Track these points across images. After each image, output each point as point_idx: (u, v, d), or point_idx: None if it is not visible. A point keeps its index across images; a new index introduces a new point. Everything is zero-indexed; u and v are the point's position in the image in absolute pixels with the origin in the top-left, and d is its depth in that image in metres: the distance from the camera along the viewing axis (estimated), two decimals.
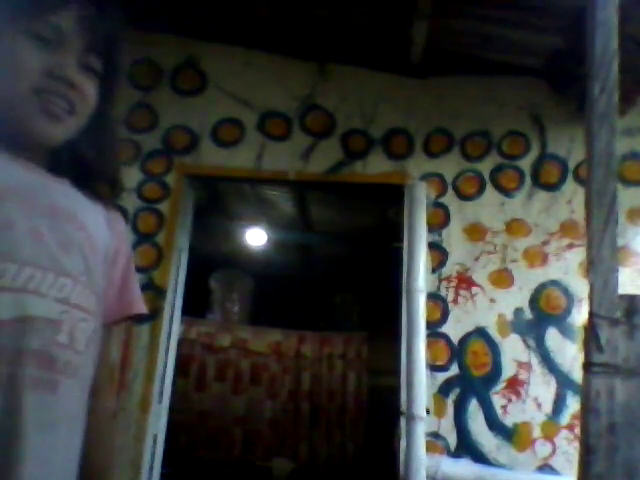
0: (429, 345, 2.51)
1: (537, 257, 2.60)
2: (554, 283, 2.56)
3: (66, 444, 0.70)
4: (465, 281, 2.59)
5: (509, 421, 2.44)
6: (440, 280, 2.60)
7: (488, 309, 2.56)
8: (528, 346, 2.51)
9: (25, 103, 0.71)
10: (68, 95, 0.74)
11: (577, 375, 2.24)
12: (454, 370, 2.50)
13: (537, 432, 2.42)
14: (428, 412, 2.42)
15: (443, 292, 2.59)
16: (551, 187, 2.68)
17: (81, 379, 0.72)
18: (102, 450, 0.82)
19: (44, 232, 0.69)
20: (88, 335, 0.73)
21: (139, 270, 2.64)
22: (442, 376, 2.50)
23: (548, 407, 2.44)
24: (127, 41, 0.84)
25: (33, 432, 0.64)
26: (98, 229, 0.79)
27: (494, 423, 2.44)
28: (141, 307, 0.89)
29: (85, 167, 0.81)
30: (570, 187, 2.66)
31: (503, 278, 2.59)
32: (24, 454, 0.63)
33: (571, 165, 2.68)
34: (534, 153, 2.72)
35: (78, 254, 0.73)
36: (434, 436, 2.43)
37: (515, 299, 2.56)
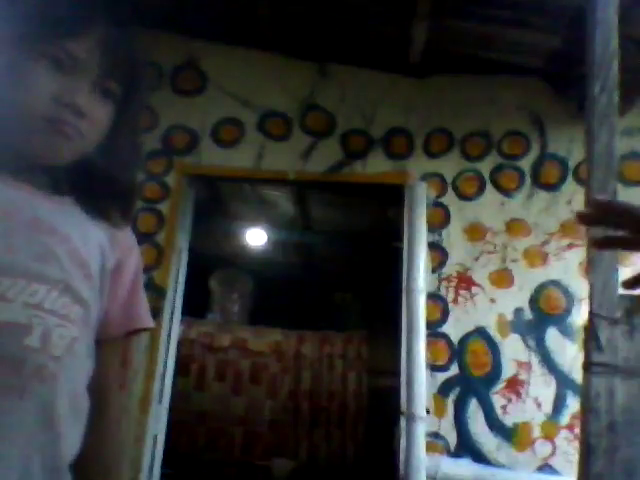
0: (429, 345, 2.51)
1: (537, 257, 2.60)
2: (554, 283, 2.56)
3: (39, 449, 0.69)
4: (465, 281, 2.59)
5: (509, 421, 2.44)
6: (440, 280, 2.60)
7: (488, 309, 2.56)
8: (528, 346, 2.51)
9: (34, 129, 0.72)
10: (74, 123, 0.73)
11: (577, 375, 2.24)
12: (454, 370, 2.50)
13: (537, 432, 2.42)
14: (428, 412, 2.42)
15: (443, 292, 2.59)
16: (551, 187, 2.68)
17: (62, 385, 0.71)
18: (107, 459, 0.82)
19: (20, 246, 0.70)
20: (68, 342, 0.72)
21: None
22: (442, 376, 2.50)
23: (548, 407, 2.44)
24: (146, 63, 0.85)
25: (3, 438, 0.64)
26: (88, 244, 0.79)
27: (494, 423, 2.44)
28: (147, 322, 0.89)
29: (93, 187, 0.81)
30: (570, 187, 2.66)
31: (503, 278, 2.59)
32: None
33: (571, 165, 2.68)
34: (534, 153, 2.72)
35: (56, 264, 0.73)
36: (434, 436, 2.43)
37: (515, 299, 2.56)
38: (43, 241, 0.72)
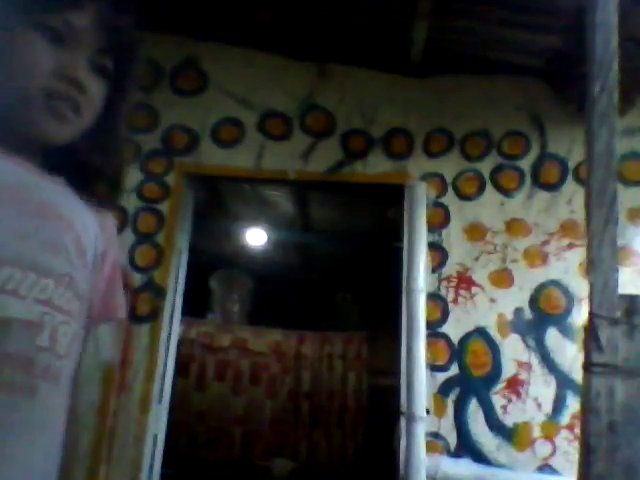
0: (429, 345, 2.51)
1: (537, 257, 2.60)
2: (554, 283, 2.56)
3: (45, 450, 0.68)
4: (465, 281, 2.59)
5: (509, 421, 2.44)
6: (440, 280, 2.60)
7: (488, 309, 2.56)
8: (528, 346, 2.51)
9: (33, 104, 0.69)
10: (75, 97, 0.72)
11: (577, 375, 2.24)
12: (454, 370, 2.50)
13: (537, 432, 2.42)
14: (428, 412, 2.42)
15: (443, 292, 2.59)
16: (551, 187, 2.68)
17: (62, 384, 0.70)
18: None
19: (30, 232, 0.67)
20: (69, 339, 0.70)
21: (139, 270, 2.64)
22: (442, 376, 2.50)
23: (548, 407, 2.44)
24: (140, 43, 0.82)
25: (10, 437, 0.62)
26: (87, 230, 0.77)
27: (494, 423, 2.44)
28: (122, 314, 0.88)
29: (84, 168, 0.79)
30: (570, 187, 2.66)
31: (503, 278, 2.59)
32: (2, 460, 0.61)
33: (571, 165, 2.68)
34: (534, 153, 2.72)
35: (63, 255, 0.71)
36: (434, 436, 2.43)
37: (515, 299, 2.56)
38: (51, 229, 0.70)
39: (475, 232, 2.65)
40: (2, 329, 0.62)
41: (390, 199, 2.97)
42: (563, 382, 2.45)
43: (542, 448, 2.41)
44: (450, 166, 2.73)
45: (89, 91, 0.73)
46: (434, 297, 2.57)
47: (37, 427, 0.66)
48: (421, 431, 2.37)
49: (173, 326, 2.71)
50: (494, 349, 2.51)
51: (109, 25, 0.74)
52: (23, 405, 0.64)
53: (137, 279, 2.63)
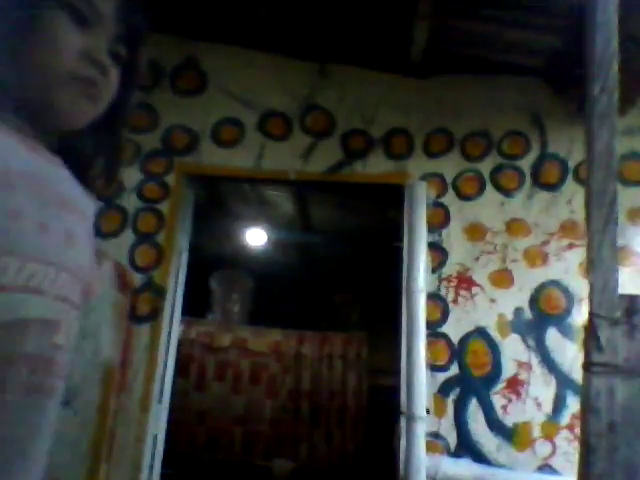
0: (429, 345, 2.51)
1: (537, 257, 2.60)
2: (554, 283, 2.56)
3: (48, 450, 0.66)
4: (465, 281, 2.59)
5: (509, 421, 2.44)
6: (440, 280, 2.60)
7: (488, 309, 2.56)
8: (528, 346, 2.51)
9: (59, 85, 0.67)
10: (99, 80, 0.70)
11: (577, 375, 2.24)
12: (454, 370, 2.50)
13: (537, 432, 2.42)
14: (428, 412, 2.42)
15: (443, 292, 2.59)
16: (551, 187, 2.68)
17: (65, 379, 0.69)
18: None
19: (50, 223, 0.64)
20: (76, 333, 0.69)
21: (139, 270, 2.64)
22: (442, 376, 2.50)
23: (548, 407, 2.44)
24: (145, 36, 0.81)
25: (35, 438, 0.61)
26: (91, 216, 0.77)
27: (494, 423, 2.44)
28: (98, 290, 0.88)
29: (86, 156, 0.78)
30: (570, 187, 2.66)
31: (503, 278, 2.59)
32: (23, 466, 0.59)
33: (571, 165, 2.68)
34: (534, 153, 2.72)
35: (77, 248, 0.69)
36: (434, 436, 2.43)
37: (515, 299, 2.56)
38: (68, 220, 0.68)
39: (475, 232, 2.65)
40: (22, 329, 0.59)
41: (390, 199, 2.97)
42: (563, 382, 2.45)
43: (542, 448, 2.41)
44: (450, 166, 2.73)
45: (110, 76, 0.72)
46: (434, 297, 2.57)
47: (52, 425, 0.65)
48: (421, 431, 2.37)
49: (173, 326, 2.71)
50: (494, 349, 2.51)
51: (126, 14, 0.74)
52: (45, 405, 0.62)
53: (137, 279, 2.63)
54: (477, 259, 2.61)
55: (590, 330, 1.31)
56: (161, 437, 2.62)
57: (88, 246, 0.73)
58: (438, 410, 2.46)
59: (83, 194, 0.75)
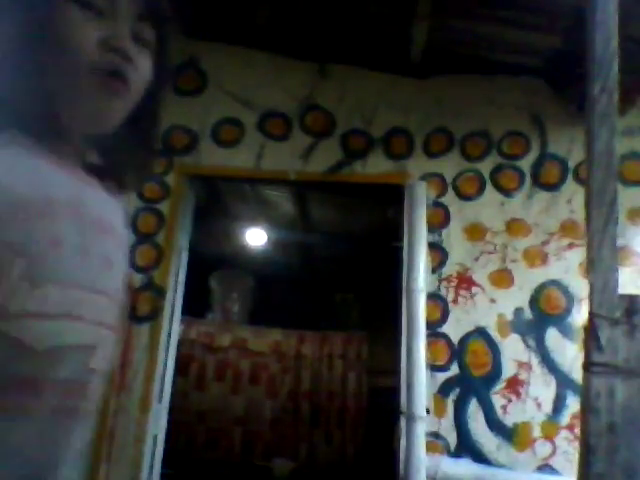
0: (429, 345, 2.51)
1: (537, 257, 2.60)
2: (554, 283, 2.56)
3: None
4: (465, 281, 2.59)
5: (509, 421, 2.44)
6: (440, 280, 2.60)
7: (488, 309, 2.56)
8: (528, 346, 2.51)
9: (79, 81, 0.63)
10: (122, 68, 0.64)
11: (577, 375, 2.24)
12: (454, 370, 2.50)
13: (537, 432, 2.42)
14: (428, 412, 2.42)
15: (443, 292, 2.59)
16: (551, 187, 2.68)
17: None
18: None
19: (90, 248, 0.63)
20: (112, 354, 0.69)
21: (139, 270, 2.64)
22: (442, 376, 2.50)
23: (548, 407, 2.44)
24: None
25: (68, 459, 0.61)
26: (124, 230, 0.75)
27: (494, 423, 2.44)
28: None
29: (118, 154, 0.73)
30: (570, 187, 2.66)
31: (503, 278, 2.59)
32: None
33: (571, 165, 2.68)
34: (534, 153, 2.72)
35: (115, 271, 0.68)
36: (434, 436, 2.43)
37: (515, 299, 2.56)
38: (106, 244, 0.67)
39: (475, 232, 2.65)
40: (59, 355, 0.58)
41: (390, 199, 2.97)
42: (563, 382, 2.45)
43: (542, 448, 2.41)
44: (450, 166, 2.73)
45: (135, 62, 0.66)
46: (434, 297, 2.57)
47: (83, 444, 0.65)
48: (421, 431, 2.37)
49: (173, 326, 2.72)
50: (494, 349, 2.51)
51: None
52: (76, 427, 0.62)
53: (137, 279, 2.63)
54: (477, 259, 2.61)
55: (590, 330, 1.31)
56: (161, 437, 2.62)
57: (124, 268, 0.72)
58: (438, 410, 2.46)
59: (118, 214, 0.74)
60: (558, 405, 2.44)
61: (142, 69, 0.68)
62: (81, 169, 0.68)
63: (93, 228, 0.65)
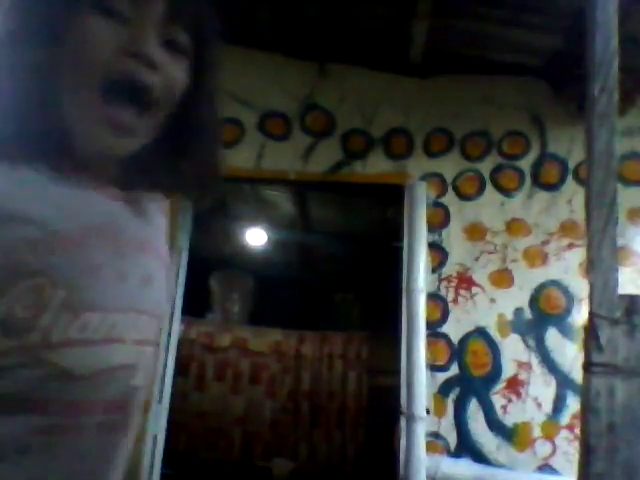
0: (429, 345, 2.51)
1: (537, 257, 2.60)
2: (554, 283, 2.56)
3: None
4: (465, 281, 2.59)
5: (509, 421, 2.44)
6: (440, 280, 2.60)
7: (488, 309, 2.56)
8: (528, 346, 2.51)
9: (95, 94, 0.58)
10: (144, 76, 0.59)
11: (577, 375, 2.24)
12: (454, 370, 2.50)
13: (537, 432, 2.42)
14: (428, 412, 2.42)
15: (443, 292, 2.59)
16: (551, 187, 2.68)
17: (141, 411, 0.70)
18: None
19: (129, 270, 0.63)
20: (153, 365, 0.70)
21: None
22: (442, 376, 2.50)
23: (548, 407, 2.44)
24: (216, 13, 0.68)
25: (110, 473, 0.63)
26: (163, 242, 0.75)
27: (494, 423, 2.44)
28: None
29: (166, 170, 0.69)
30: (570, 187, 2.66)
31: (503, 278, 2.59)
32: None
33: (571, 165, 2.68)
34: (534, 153, 2.72)
35: (155, 289, 0.68)
36: (434, 436, 2.43)
37: (515, 299, 2.56)
38: (145, 263, 0.66)
39: (475, 232, 2.65)
40: (102, 378, 0.59)
41: (390, 199, 2.97)
42: (563, 382, 2.45)
43: (542, 448, 2.40)
44: (450, 166, 2.72)
45: (162, 68, 0.61)
46: (434, 297, 2.57)
47: (126, 456, 0.67)
48: (421, 431, 2.37)
49: (173, 326, 2.71)
50: (494, 349, 2.51)
51: None
52: (119, 441, 0.64)
53: None
54: (477, 259, 2.61)
55: (590, 330, 1.31)
56: (161, 437, 2.62)
57: (164, 282, 0.72)
58: (438, 410, 2.46)
59: (156, 229, 0.73)
60: (558, 405, 2.44)
61: (172, 75, 0.62)
62: (115, 186, 0.66)
63: (130, 248, 0.64)
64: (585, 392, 1.29)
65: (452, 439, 2.44)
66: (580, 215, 2.45)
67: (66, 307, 0.55)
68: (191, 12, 0.64)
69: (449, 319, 2.56)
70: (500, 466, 2.38)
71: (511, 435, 2.42)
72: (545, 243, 2.61)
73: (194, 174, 0.70)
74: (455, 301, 2.58)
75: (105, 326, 0.59)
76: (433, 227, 2.64)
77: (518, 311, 2.54)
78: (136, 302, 0.64)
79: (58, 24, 0.58)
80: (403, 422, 2.41)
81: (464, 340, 2.53)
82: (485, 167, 2.72)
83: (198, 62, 0.66)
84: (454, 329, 2.55)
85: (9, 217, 0.54)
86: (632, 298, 1.33)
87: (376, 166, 2.75)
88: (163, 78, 0.61)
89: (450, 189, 2.70)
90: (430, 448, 2.39)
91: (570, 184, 2.66)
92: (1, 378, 0.53)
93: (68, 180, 0.60)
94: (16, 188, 0.56)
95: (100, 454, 0.61)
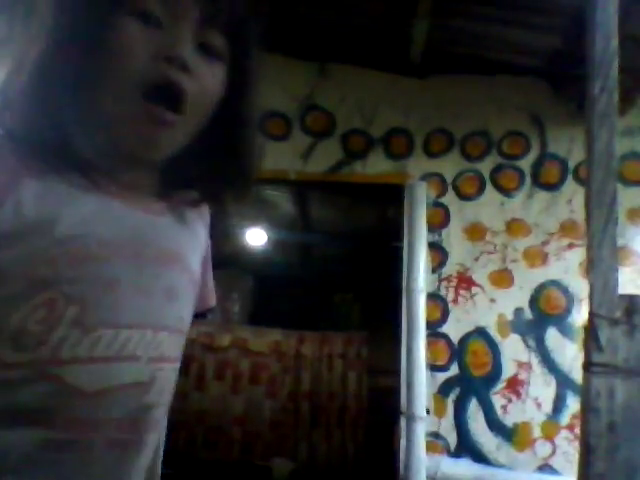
0: (429, 345, 2.51)
1: (537, 257, 2.60)
2: (554, 283, 2.56)
3: None
4: (465, 281, 2.59)
5: (509, 421, 2.44)
6: (440, 280, 2.60)
7: (488, 309, 2.56)
8: (528, 346, 2.51)
9: (129, 99, 0.57)
10: (178, 80, 0.58)
11: (577, 375, 2.24)
12: (454, 370, 2.50)
13: (537, 432, 2.42)
14: (428, 412, 2.42)
15: (443, 292, 2.59)
16: (551, 187, 2.68)
17: (163, 426, 0.68)
18: None
19: (150, 285, 0.61)
20: (174, 381, 0.67)
21: None
22: (442, 376, 2.50)
23: (548, 407, 2.44)
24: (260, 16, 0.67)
25: None
26: (196, 249, 0.72)
27: (494, 423, 2.44)
28: (213, 300, 0.80)
29: (203, 176, 0.68)
30: (570, 187, 2.66)
31: (503, 278, 2.59)
32: None
33: (571, 165, 2.68)
34: (534, 153, 2.72)
35: (179, 302, 0.65)
36: (434, 436, 2.43)
37: (515, 299, 2.56)
38: (169, 275, 0.64)
39: (475, 232, 2.65)
40: (112, 396, 0.57)
41: (390, 199, 2.97)
42: (563, 382, 2.45)
43: (542, 448, 2.41)
44: (450, 166, 2.73)
45: (196, 72, 0.59)
46: (434, 297, 2.57)
47: (143, 471, 0.64)
48: (421, 431, 2.37)
49: None
50: (494, 349, 2.51)
51: None
52: (132, 458, 0.61)
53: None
54: (477, 259, 2.61)
55: (590, 330, 1.31)
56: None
57: (191, 297, 0.70)
58: (438, 410, 2.46)
59: (190, 238, 0.70)
60: (558, 405, 2.44)
61: (207, 80, 0.61)
62: (150, 196, 0.65)
63: (155, 262, 0.62)
64: (585, 392, 1.29)
65: (452, 439, 2.44)
66: (580, 215, 2.45)
67: (78, 323, 0.54)
68: (228, 15, 0.63)
69: (449, 319, 2.56)
70: (500, 466, 2.38)
71: (511, 435, 2.42)
72: (545, 243, 2.61)
73: (234, 178, 0.69)
74: (455, 301, 2.58)
75: (117, 343, 0.57)
76: (433, 227, 2.64)
77: (518, 311, 2.54)
78: (156, 318, 0.61)
79: (98, 30, 0.57)
80: (403, 422, 2.41)
81: (464, 340, 2.53)
82: (485, 167, 2.72)
83: (236, 66, 0.65)
84: (454, 329, 2.55)
85: (31, 230, 0.53)
86: (632, 298, 1.33)
87: (376, 166, 2.75)
88: (197, 82, 0.60)
89: (450, 189, 2.70)
90: (430, 448, 2.39)
91: (570, 184, 2.66)
92: (9, 391, 0.53)
93: (98, 190, 0.59)
94: (41, 200, 0.55)
95: (111, 473, 0.59)
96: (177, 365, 0.67)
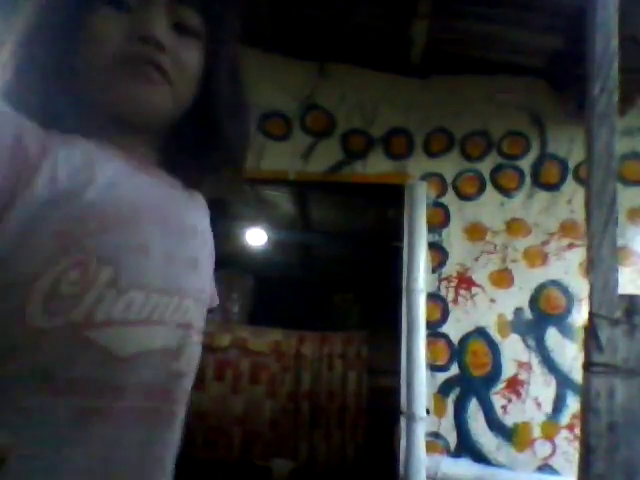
0: (429, 345, 2.51)
1: (537, 257, 2.60)
2: (554, 283, 2.56)
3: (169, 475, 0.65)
4: (465, 281, 2.59)
5: (509, 421, 2.44)
6: (440, 280, 2.60)
7: (488, 309, 2.56)
8: (528, 346, 2.51)
9: (110, 76, 0.60)
10: (155, 57, 0.61)
11: (577, 375, 2.24)
12: (454, 370, 2.50)
13: (537, 432, 2.42)
14: (428, 412, 2.42)
15: (443, 292, 2.59)
16: (551, 187, 2.68)
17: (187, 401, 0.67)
18: None
19: (176, 252, 0.62)
20: (199, 355, 0.68)
21: None
22: (442, 376, 2.50)
23: (548, 407, 2.44)
24: None
25: (148, 463, 0.60)
26: (208, 231, 0.73)
27: (494, 423, 2.44)
28: (216, 300, 0.81)
29: (197, 155, 0.69)
30: (570, 187, 2.66)
31: (503, 278, 2.59)
32: None
33: (571, 165, 2.68)
34: (534, 153, 2.72)
35: (201, 273, 0.67)
36: (434, 436, 2.43)
37: (515, 299, 2.56)
38: (191, 246, 0.66)
39: (475, 232, 2.65)
40: (141, 360, 0.58)
41: (390, 199, 2.97)
42: (563, 382, 2.45)
43: (542, 448, 2.40)
44: (450, 166, 2.72)
45: (172, 51, 0.62)
46: (434, 297, 2.57)
47: (172, 447, 0.64)
48: (421, 431, 2.37)
49: None
50: (494, 349, 2.51)
51: None
52: (160, 430, 0.61)
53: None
54: (477, 259, 2.61)
55: (590, 330, 1.31)
56: None
57: (210, 269, 0.71)
58: (438, 410, 2.46)
59: (200, 214, 0.73)
60: (558, 405, 2.44)
61: (185, 61, 0.64)
62: (160, 168, 0.67)
63: (178, 231, 0.64)
64: (585, 392, 1.29)
65: (452, 439, 2.44)
66: (580, 215, 2.45)
67: (111, 286, 0.55)
68: None
69: (449, 319, 2.56)
70: (500, 466, 2.38)
71: (511, 435, 2.42)
72: (545, 243, 2.61)
73: (217, 166, 0.71)
74: (455, 301, 2.58)
75: (148, 307, 0.58)
76: (433, 227, 2.64)
77: (518, 311, 2.54)
78: (182, 285, 0.63)
79: (74, 20, 0.61)
80: (403, 422, 2.41)
81: (464, 340, 2.53)
82: (485, 167, 2.72)
83: (213, 43, 0.67)
84: (454, 329, 2.55)
85: (65, 194, 0.54)
86: (632, 298, 1.33)
87: (376, 166, 2.75)
88: (174, 58, 0.62)
89: (450, 189, 2.70)
90: (430, 448, 2.39)
91: (570, 184, 2.66)
92: (42, 355, 0.52)
93: (120, 159, 0.61)
94: (71, 166, 0.56)
95: (142, 443, 0.59)
96: (201, 338, 0.68)
